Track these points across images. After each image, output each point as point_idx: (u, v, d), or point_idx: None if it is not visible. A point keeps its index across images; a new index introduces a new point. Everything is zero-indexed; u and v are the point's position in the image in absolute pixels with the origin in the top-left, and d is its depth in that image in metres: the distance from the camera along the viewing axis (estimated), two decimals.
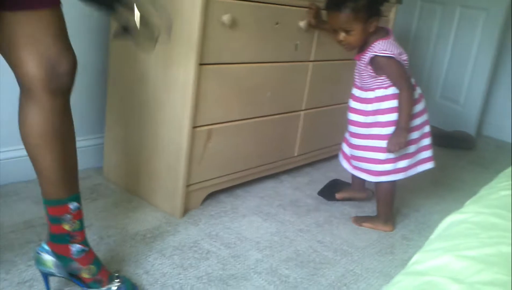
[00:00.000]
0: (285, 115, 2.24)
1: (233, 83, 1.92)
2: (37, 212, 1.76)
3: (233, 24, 1.80)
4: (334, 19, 1.79)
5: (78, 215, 1.27)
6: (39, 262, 1.28)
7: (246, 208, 2.06)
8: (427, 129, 1.95)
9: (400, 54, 1.81)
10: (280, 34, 2.03)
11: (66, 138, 1.24)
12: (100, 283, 1.31)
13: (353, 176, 2.12)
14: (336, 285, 1.63)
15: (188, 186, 1.89)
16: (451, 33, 3.63)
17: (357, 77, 1.93)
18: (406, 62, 1.84)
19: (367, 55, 1.82)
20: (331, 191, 2.21)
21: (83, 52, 2.05)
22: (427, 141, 1.96)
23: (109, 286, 1.31)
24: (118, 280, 1.33)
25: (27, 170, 1.97)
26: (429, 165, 1.98)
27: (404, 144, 1.83)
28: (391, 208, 2.03)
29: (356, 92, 1.95)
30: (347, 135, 2.04)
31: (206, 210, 1.99)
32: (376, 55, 1.79)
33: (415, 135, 1.90)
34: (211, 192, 2.05)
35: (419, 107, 1.91)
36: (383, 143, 1.87)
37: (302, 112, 2.31)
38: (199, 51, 1.71)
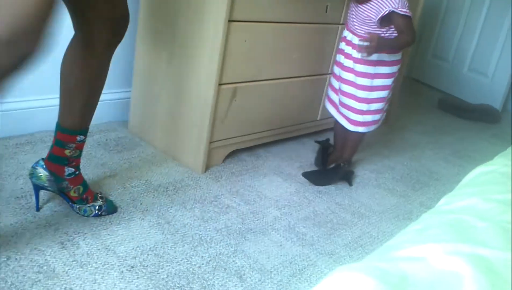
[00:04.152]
0: (311, 77, 2.24)
1: (261, 42, 1.92)
2: None
3: None
4: None
5: (81, 146, 1.47)
6: (33, 175, 1.44)
7: (267, 168, 2.08)
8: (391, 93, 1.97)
9: (409, 7, 1.79)
10: None
11: (100, 83, 1.44)
12: (85, 201, 1.50)
13: (336, 137, 2.12)
14: (352, 245, 1.66)
15: (211, 142, 1.92)
16: (484, 5, 3.54)
17: (351, 21, 1.87)
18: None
19: (375, 6, 1.75)
20: (318, 174, 2.08)
21: None
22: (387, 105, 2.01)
23: (93, 203, 1.51)
24: (101, 199, 1.53)
25: (53, 120, 2.02)
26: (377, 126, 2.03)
27: (370, 52, 1.74)
28: (354, 155, 2.10)
29: (348, 35, 1.90)
30: (334, 81, 2.01)
31: (227, 167, 2.02)
32: (393, 12, 1.73)
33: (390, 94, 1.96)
34: (233, 151, 2.08)
35: (395, 68, 1.92)
36: (368, 94, 1.88)
37: (328, 76, 2.30)
38: (229, 7, 1.71)
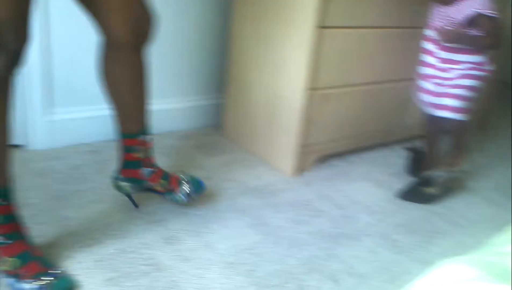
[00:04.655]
0: (402, 82, 2.22)
1: (353, 47, 1.94)
2: (164, 161, 1.92)
3: None
4: None
5: (148, 145, 1.52)
6: (118, 188, 1.53)
7: (357, 173, 2.09)
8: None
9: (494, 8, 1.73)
10: None
11: (143, 83, 1.46)
12: (172, 191, 1.55)
13: (429, 143, 2.04)
14: (447, 254, 1.62)
15: (302, 147, 1.96)
16: None
17: (438, 21, 1.82)
18: None
19: (461, 8, 1.72)
20: (414, 190, 1.98)
21: (203, 13, 2.16)
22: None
23: (180, 191, 1.56)
24: (186, 182, 1.57)
25: (155, 124, 2.15)
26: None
27: (451, 39, 1.75)
28: (466, 143, 2.00)
29: (432, 34, 1.85)
30: (423, 82, 1.95)
31: (318, 172, 2.05)
32: (482, 14, 1.69)
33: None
34: (323, 156, 2.11)
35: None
36: (466, 82, 1.82)
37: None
38: (320, 14, 1.75)
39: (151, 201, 1.64)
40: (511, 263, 0.65)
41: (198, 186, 1.61)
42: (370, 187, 1.99)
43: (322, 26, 1.78)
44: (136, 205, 1.60)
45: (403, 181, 2.06)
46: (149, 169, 1.52)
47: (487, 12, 1.70)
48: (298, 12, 1.80)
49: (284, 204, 1.77)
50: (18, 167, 1.72)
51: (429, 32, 1.88)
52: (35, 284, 1.17)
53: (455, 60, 1.82)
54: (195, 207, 1.65)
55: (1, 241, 1.20)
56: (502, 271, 0.62)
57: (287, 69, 1.89)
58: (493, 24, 1.72)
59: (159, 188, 1.54)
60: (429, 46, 1.88)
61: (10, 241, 1.21)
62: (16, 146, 1.87)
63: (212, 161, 2.00)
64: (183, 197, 1.56)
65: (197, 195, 1.60)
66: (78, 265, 1.30)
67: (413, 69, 2.22)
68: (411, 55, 2.18)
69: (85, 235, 1.42)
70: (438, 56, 1.85)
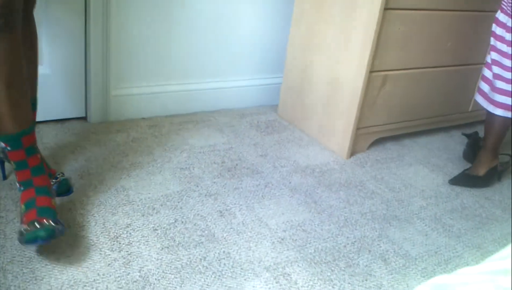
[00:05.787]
0: (464, 67, 2.17)
1: (415, 30, 1.90)
2: (220, 137, 1.97)
3: None
4: None
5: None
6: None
7: (412, 158, 2.07)
8: None
9: None
10: None
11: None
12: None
13: (487, 131, 1.96)
14: (501, 241, 1.60)
15: (358, 129, 1.95)
16: None
17: (510, 3, 1.74)
18: None
19: None
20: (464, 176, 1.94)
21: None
22: None
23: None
24: (58, 177, 1.45)
25: (212, 101, 2.20)
26: None
27: None
28: (498, 146, 1.89)
29: (502, 18, 1.77)
30: (486, 70, 1.88)
31: (372, 154, 2.05)
32: None
33: None
34: (378, 138, 2.10)
35: None
36: None
37: (481, 66, 2.21)
38: None
39: (208, 174, 1.70)
40: None
41: (64, 189, 1.47)
42: (425, 171, 1.97)
43: (386, 8, 1.76)
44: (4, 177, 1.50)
45: (460, 166, 2.03)
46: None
47: None
48: None
49: (337, 184, 1.78)
50: (80, 138, 1.82)
51: (501, 16, 1.81)
52: (24, 229, 1.18)
53: None
54: (249, 183, 1.69)
55: (18, 187, 1.28)
56: None
57: (350, 50, 1.88)
58: None
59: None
60: (498, 29, 1.81)
61: (22, 188, 1.27)
62: (78, 118, 1.96)
63: (267, 139, 2.04)
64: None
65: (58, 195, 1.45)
66: (137, 232, 1.37)
67: (478, 54, 2.17)
68: (478, 40, 2.12)
69: (144, 205, 1.49)
70: (507, 39, 1.77)
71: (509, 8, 1.75)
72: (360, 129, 1.97)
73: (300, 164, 1.88)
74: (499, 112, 1.82)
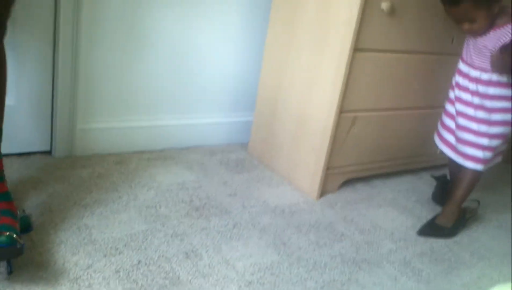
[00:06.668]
0: (431, 109, 2.20)
1: (384, 71, 1.93)
2: (189, 175, 1.93)
3: (392, 11, 1.81)
4: (455, 12, 1.67)
5: None
6: None
7: (382, 199, 2.07)
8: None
9: None
10: (438, 25, 1.99)
11: None
12: None
13: (452, 176, 2.00)
14: (470, 286, 1.59)
15: (328, 169, 1.94)
16: None
17: (468, 53, 1.78)
18: None
19: (494, 36, 1.67)
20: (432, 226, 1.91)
21: (239, 33, 2.18)
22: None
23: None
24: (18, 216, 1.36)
25: (182, 138, 2.17)
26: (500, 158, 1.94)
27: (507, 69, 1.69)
28: (465, 198, 1.90)
29: (464, 68, 1.80)
30: (447, 120, 1.91)
31: (342, 195, 2.03)
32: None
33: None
34: (348, 179, 2.09)
35: None
36: (487, 129, 1.77)
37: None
38: (356, 36, 1.75)
39: (175, 214, 1.65)
40: None
41: (24, 226, 1.39)
42: (395, 214, 1.96)
43: (356, 49, 1.78)
44: None
45: (429, 209, 2.03)
46: None
47: None
48: (334, 34, 1.80)
49: (306, 226, 1.75)
50: (43, 172, 1.76)
51: (462, 67, 1.83)
52: None
53: (488, 95, 1.76)
54: (217, 223, 1.65)
55: None
56: None
57: (319, 89, 1.88)
58: None
59: None
60: (462, 80, 1.82)
61: None
62: (42, 152, 1.90)
63: (236, 178, 2.01)
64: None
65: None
66: (98, 274, 1.31)
67: (444, 96, 2.20)
68: (444, 82, 2.16)
69: (107, 245, 1.44)
70: (471, 89, 1.79)
71: (469, 57, 1.78)
72: (330, 169, 1.96)
73: (270, 204, 1.85)
74: (469, 164, 1.84)
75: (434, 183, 2.17)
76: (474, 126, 1.81)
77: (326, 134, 1.88)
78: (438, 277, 1.60)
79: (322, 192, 1.98)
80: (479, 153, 1.82)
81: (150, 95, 2.04)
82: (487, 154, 1.81)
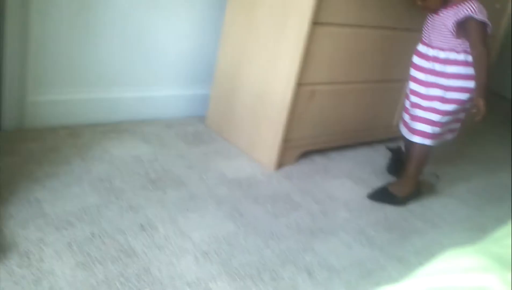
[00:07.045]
0: (389, 83, 2.22)
1: (342, 45, 1.93)
2: (145, 148, 1.90)
3: None
4: None
5: None
6: None
7: (338, 170, 2.09)
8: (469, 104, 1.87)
9: (485, 15, 1.70)
10: (395, 1, 2.01)
11: None
12: None
13: (406, 150, 2.03)
14: (422, 253, 1.64)
15: (285, 141, 1.95)
16: None
17: (427, 32, 1.81)
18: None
19: (453, 13, 1.69)
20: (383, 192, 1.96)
21: (198, 4, 2.14)
22: (463, 114, 1.91)
23: None
24: None
25: (138, 111, 2.13)
26: (452, 136, 1.96)
27: (483, 111, 1.71)
28: (419, 173, 1.94)
29: (422, 48, 1.84)
30: (406, 101, 1.95)
31: (299, 167, 2.05)
32: (471, 17, 1.66)
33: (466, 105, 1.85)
34: (305, 151, 2.10)
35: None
36: (440, 106, 1.80)
37: (406, 83, 2.28)
38: (315, 10, 1.73)
39: (130, 186, 1.62)
40: None
41: None
42: (350, 185, 1.99)
43: (316, 22, 1.77)
44: None
45: (383, 179, 2.07)
46: None
47: (477, 15, 1.66)
48: (293, 7, 1.78)
49: (263, 197, 1.76)
50: None
51: (420, 47, 1.85)
52: None
53: (446, 73, 1.78)
54: (173, 195, 1.64)
55: None
56: (510, 262, 0.64)
57: (278, 63, 1.87)
58: (481, 30, 1.69)
59: None
60: (419, 60, 1.85)
61: None
62: None
63: (194, 150, 1.99)
64: None
65: None
66: (49, 248, 1.28)
67: (401, 71, 2.23)
68: (402, 57, 2.19)
69: (59, 218, 1.40)
70: (426, 68, 1.81)
71: (427, 37, 1.80)
72: (288, 141, 1.96)
73: (227, 176, 1.84)
74: (416, 139, 1.86)
75: (388, 155, 2.21)
76: (424, 103, 1.83)
77: (285, 107, 1.88)
78: (392, 245, 1.64)
79: (280, 164, 1.99)
80: (427, 128, 1.83)
81: (104, 67, 1.98)
82: (436, 129, 1.83)
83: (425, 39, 1.84)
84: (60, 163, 1.68)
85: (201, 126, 2.23)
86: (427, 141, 1.86)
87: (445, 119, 1.83)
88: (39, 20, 1.76)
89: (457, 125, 1.93)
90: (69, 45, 1.86)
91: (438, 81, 1.80)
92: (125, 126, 2.05)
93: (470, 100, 1.81)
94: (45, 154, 1.72)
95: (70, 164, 1.69)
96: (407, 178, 1.93)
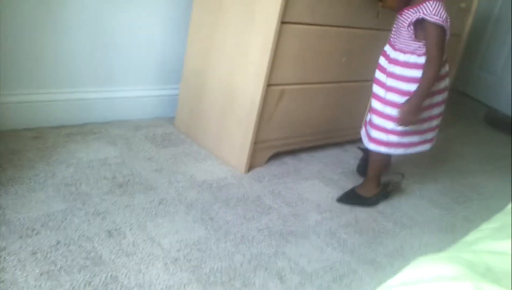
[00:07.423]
0: (358, 83, 2.23)
1: (312, 45, 1.92)
2: (112, 151, 1.86)
3: None
4: None
5: None
6: None
7: (309, 172, 2.08)
8: (441, 109, 1.86)
9: (446, 19, 1.63)
10: (363, 0, 2.01)
11: None
12: None
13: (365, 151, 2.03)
14: (393, 255, 1.64)
15: (255, 143, 1.93)
16: None
17: (393, 33, 1.77)
18: (449, 30, 1.67)
19: (412, 14, 1.64)
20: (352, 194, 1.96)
21: (165, 3, 2.10)
22: (436, 122, 1.87)
23: None
24: None
25: (104, 112, 2.08)
26: (427, 147, 1.91)
27: (415, 121, 1.72)
28: (379, 175, 1.94)
29: (387, 49, 1.79)
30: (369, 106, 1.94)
31: (270, 169, 2.03)
32: (425, 18, 1.61)
33: (434, 111, 1.82)
34: (275, 153, 2.09)
35: (442, 84, 1.79)
36: (395, 112, 1.74)
37: None
38: (283, 9, 1.72)
39: (97, 191, 1.58)
40: (489, 262, 0.67)
41: None
42: (321, 186, 1.99)
43: (283, 22, 1.76)
44: None
45: (354, 180, 2.07)
46: None
47: (431, 17, 1.60)
48: (261, 6, 1.76)
49: (234, 200, 1.74)
50: None
51: (386, 48, 1.81)
52: None
53: (405, 77, 1.73)
54: (142, 200, 1.60)
55: None
56: (484, 271, 0.64)
57: (247, 63, 1.85)
58: (436, 33, 1.63)
59: None
60: (382, 61, 1.81)
61: None
62: None
63: (162, 153, 1.95)
64: None
65: None
66: (12, 256, 1.23)
67: (371, 71, 2.23)
68: (370, 57, 2.19)
69: (22, 225, 1.35)
70: (387, 71, 1.77)
71: (392, 38, 1.78)
72: (257, 143, 1.95)
73: (197, 179, 1.81)
74: (372, 146, 1.84)
75: (359, 155, 2.21)
76: (381, 107, 1.78)
77: (254, 107, 1.86)
78: (362, 247, 1.64)
79: (250, 166, 1.97)
80: (382, 136, 1.80)
81: (68, 67, 1.92)
82: (392, 138, 1.79)
83: (391, 39, 1.79)
84: (23, 167, 1.62)
85: (170, 128, 2.19)
86: (382, 149, 1.82)
87: (401, 127, 1.76)
88: (0, 19, 1.69)
89: (432, 134, 1.90)
90: (33, 45, 1.80)
91: (398, 85, 1.74)
92: (91, 128, 2.00)
93: (430, 106, 1.79)
94: (8, 157, 1.66)
95: (34, 168, 1.63)
96: (368, 180, 1.94)
